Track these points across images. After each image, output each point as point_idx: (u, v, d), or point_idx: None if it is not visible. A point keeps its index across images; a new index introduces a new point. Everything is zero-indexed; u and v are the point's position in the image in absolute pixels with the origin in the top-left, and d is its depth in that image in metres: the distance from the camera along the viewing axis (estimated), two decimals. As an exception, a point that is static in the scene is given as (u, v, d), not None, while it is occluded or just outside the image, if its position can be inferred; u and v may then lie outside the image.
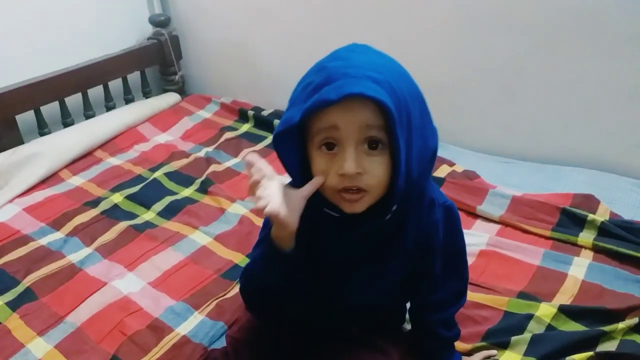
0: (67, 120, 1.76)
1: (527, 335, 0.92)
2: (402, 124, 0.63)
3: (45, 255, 1.22)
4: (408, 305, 0.92)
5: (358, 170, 0.64)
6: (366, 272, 0.78)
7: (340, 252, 0.78)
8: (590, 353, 0.85)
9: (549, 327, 0.94)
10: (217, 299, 1.07)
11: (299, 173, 0.69)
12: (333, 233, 0.75)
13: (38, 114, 1.68)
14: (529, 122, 1.51)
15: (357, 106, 0.62)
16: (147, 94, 2.04)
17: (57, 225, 1.34)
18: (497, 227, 1.24)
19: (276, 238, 0.69)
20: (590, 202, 1.25)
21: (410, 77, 0.68)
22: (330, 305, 0.85)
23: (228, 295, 1.08)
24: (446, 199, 0.79)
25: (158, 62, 2.04)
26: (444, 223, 0.78)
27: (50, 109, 1.72)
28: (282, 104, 1.89)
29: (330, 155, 0.66)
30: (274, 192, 0.64)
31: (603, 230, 1.15)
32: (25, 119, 1.65)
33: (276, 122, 1.77)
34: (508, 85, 1.50)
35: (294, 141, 0.68)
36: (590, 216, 1.18)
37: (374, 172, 0.65)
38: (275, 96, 1.94)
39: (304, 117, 0.63)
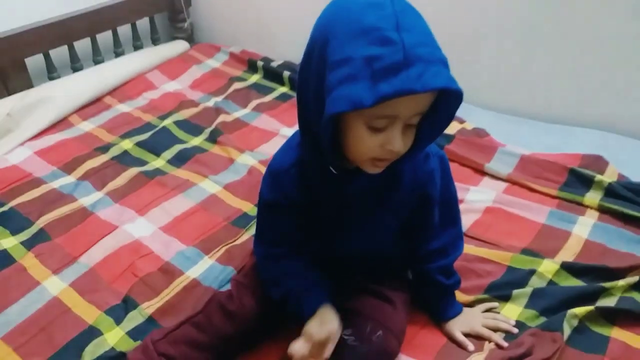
0: (76, 65, 1.75)
1: (528, 289, 0.94)
2: None
3: (58, 198, 1.24)
4: None
5: (405, 147, 0.66)
6: (365, 222, 0.80)
7: (339, 206, 0.80)
8: (591, 308, 0.87)
9: (551, 283, 0.96)
10: (226, 245, 1.09)
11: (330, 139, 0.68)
12: (332, 188, 0.77)
13: (47, 57, 1.67)
14: (543, 81, 1.49)
15: (424, 95, 0.61)
16: (155, 41, 2.01)
17: (68, 169, 1.35)
18: (505, 185, 1.25)
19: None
20: (599, 163, 1.25)
21: None
22: (334, 256, 0.87)
23: (237, 242, 1.10)
24: (438, 149, 0.83)
25: (167, 9, 2.00)
26: (440, 172, 0.82)
27: (59, 53, 1.70)
28: (292, 55, 1.88)
29: (377, 131, 0.64)
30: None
31: (610, 192, 1.15)
32: (35, 62, 1.65)
33: (286, 73, 1.75)
34: (523, 43, 1.47)
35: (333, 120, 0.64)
36: (598, 177, 1.18)
37: (408, 143, 0.68)
38: (285, 47, 1.91)
39: (378, 102, 0.58)
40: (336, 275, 0.90)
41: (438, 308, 0.90)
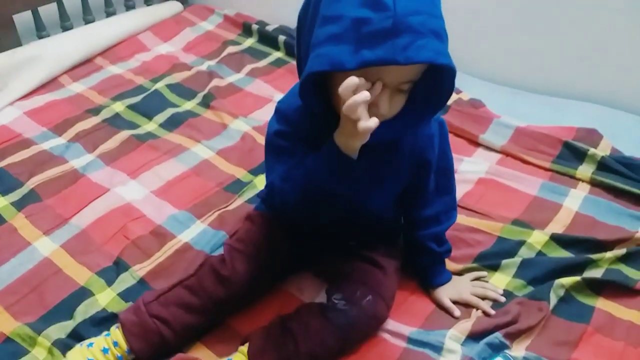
0: (65, 23, 1.70)
1: (517, 259, 0.96)
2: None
3: (48, 159, 1.23)
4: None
5: (391, 112, 0.67)
6: (367, 184, 0.80)
7: None
8: (577, 278, 0.88)
9: (540, 254, 0.98)
10: (219, 210, 1.09)
11: (318, 101, 0.69)
12: None
13: (36, 14, 1.62)
14: (541, 53, 1.47)
15: (412, 65, 0.61)
16: (148, 2, 1.96)
17: (58, 130, 1.33)
18: (498, 156, 1.25)
19: (346, 148, 0.68)
20: (593, 137, 1.25)
21: None
22: (330, 221, 0.87)
23: (230, 208, 1.10)
24: (438, 116, 0.83)
25: (160, -32, 1.94)
26: (439, 138, 0.83)
27: (49, 10, 1.65)
28: (288, 19, 1.84)
29: None
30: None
31: (602, 165, 1.16)
32: (23, 19, 1.60)
33: (281, 38, 1.72)
34: (522, 14, 1.45)
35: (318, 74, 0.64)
36: (592, 150, 1.18)
37: (397, 107, 0.68)
38: (281, 11, 1.87)
39: (359, 67, 0.58)
40: (329, 239, 0.91)
41: (428, 275, 0.91)
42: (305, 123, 0.75)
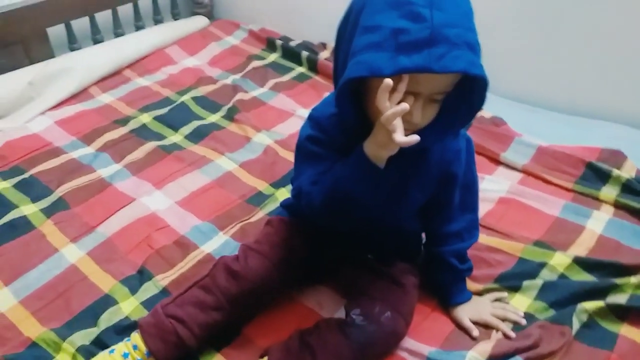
0: (97, 36, 1.75)
1: (538, 281, 0.95)
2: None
3: (77, 168, 1.26)
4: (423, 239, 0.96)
5: (423, 121, 0.68)
6: (392, 193, 0.80)
7: None
8: (601, 303, 0.87)
9: (562, 277, 0.97)
10: (241, 222, 1.11)
11: (354, 109, 0.71)
12: None
13: (69, 28, 1.68)
14: (564, 72, 1.47)
15: (447, 75, 0.63)
16: (176, 16, 2.01)
17: (87, 140, 1.37)
18: (520, 175, 1.25)
19: (375, 157, 0.69)
20: (617, 158, 1.23)
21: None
22: (352, 229, 0.88)
23: (252, 220, 1.11)
24: (465, 132, 0.85)
25: (188, -17, 1.99)
26: (466, 152, 0.84)
27: (81, 25, 1.71)
28: (312, 35, 1.87)
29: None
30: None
31: (627, 187, 1.15)
32: (56, 32, 1.65)
33: (304, 53, 1.74)
34: (546, 31, 1.44)
35: (355, 82, 0.66)
36: (615, 172, 1.17)
37: (429, 116, 0.69)
38: (305, 27, 1.90)
39: (395, 73, 0.60)
40: (349, 250, 0.91)
41: (448, 292, 0.91)
42: (337, 131, 0.76)
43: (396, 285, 0.87)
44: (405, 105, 0.61)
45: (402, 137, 0.62)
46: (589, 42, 1.40)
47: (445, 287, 0.91)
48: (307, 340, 0.80)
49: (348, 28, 0.67)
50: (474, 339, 0.86)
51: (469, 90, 0.67)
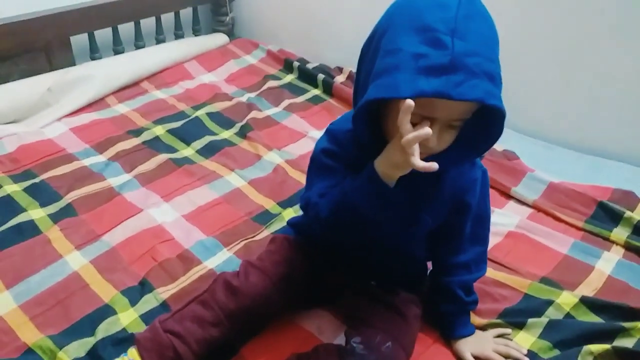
0: (118, 47, 1.79)
1: (544, 319, 0.93)
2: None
3: (87, 175, 1.28)
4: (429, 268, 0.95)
5: (439, 146, 0.68)
6: (401, 214, 0.79)
7: None
8: (607, 346, 0.85)
9: (568, 316, 0.95)
10: (246, 239, 1.10)
11: (370, 130, 0.71)
12: None
13: (91, 37, 1.71)
14: (580, 110, 1.46)
15: (464, 103, 0.63)
16: (196, 32, 2.05)
17: (100, 148, 1.39)
18: (530, 211, 1.23)
19: (386, 176, 0.69)
20: (630, 199, 1.22)
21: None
22: (356, 249, 0.87)
23: (257, 238, 1.11)
24: (481, 164, 0.85)
25: (211, 1, 2.04)
26: (481, 184, 0.84)
27: (103, 35, 1.75)
28: (329, 58, 1.89)
29: (414, 124, 0.65)
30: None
31: (638, 229, 1.13)
32: (79, 41, 1.69)
33: (320, 76, 1.76)
34: (565, 69, 1.45)
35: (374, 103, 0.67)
36: (628, 213, 1.15)
37: (446, 142, 0.69)
38: (323, 49, 1.92)
39: (414, 96, 0.60)
40: (352, 275, 0.90)
41: (452, 324, 0.89)
42: (353, 146, 0.76)
43: (399, 316, 0.85)
44: (428, 131, 0.61)
45: (421, 162, 0.62)
46: (607, 83, 1.39)
47: (449, 318, 0.90)
48: None
49: (371, 49, 0.68)
50: None
51: (487, 121, 0.67)
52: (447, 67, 0.60)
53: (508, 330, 0.92)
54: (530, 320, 0.93)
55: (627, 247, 1.11)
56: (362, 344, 0.80)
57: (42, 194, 1.20)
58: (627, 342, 0.88)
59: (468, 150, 0.72)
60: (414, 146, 0.62)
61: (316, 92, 1.75)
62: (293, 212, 1.17)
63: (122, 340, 0.88)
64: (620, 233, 1.13)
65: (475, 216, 0.85)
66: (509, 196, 1.28)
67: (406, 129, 0.62)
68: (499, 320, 0.94)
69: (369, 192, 0.71)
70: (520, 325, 0.93)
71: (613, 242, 1.13)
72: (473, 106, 0.66)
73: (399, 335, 0.82)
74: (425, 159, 0.64)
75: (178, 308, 0.85)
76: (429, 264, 0.95)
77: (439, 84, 0.60)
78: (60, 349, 0.85)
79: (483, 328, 0.92)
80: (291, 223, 1.00)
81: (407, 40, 0.62)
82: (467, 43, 0.61)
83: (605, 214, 1.18)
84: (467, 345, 0.87)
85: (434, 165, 0.62)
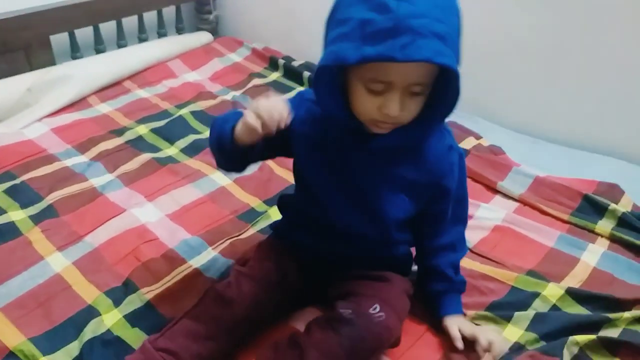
0: (99, 47, 1.76)
1: (530, 312, 0.93)
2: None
3: (69, 176, 1.25)
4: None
5: (401, 113, 0.69)
6: (371, 193, 0.81)
7: (346, 168, 0.81)
8: (593, 336, 0.85)
9: (554, 308, 0.95)
10: (231, 238, 1.09)
11: (336, 102, 0.73)
12: (346, 147, 0.79)
13: (72, 36, 1.69)
14: (565, 105, 1.48)
15: (417, 65, 0.65)
16: (180, 31, 2.03)
17: (82, 148, 1.36)
18: (516, 205, 1.24)
19: (239, 139, 0.73)
20: (614, 192, 1.23)
21: (459, 7, 0.69)
22: (334, 227, 0.86)
23: (242, 237, 1.10)
24: (458, 146, 0.86)
25: (194, -1, 2.02)
26: (458, 167, 0.85)
27: (84, 34, 1.72)
28: (314, 56, 1.88)
29: (375, 94, 0.69)
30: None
31: (623, 221, 1.14)
32: (59, 40, 1.66)
33: (306, 74, 1.75)
34: (549, 65, 1.46)
35: (335, 74, 0.71)
36: (612, 205, 1.16)
37: (411, 111, 0.71)
38: (308, 47, 1.91)
39: (360, 61, 0.64)
40: (338, 270, 0.90)
41: (442, 303, 0.89)
42: (306, 117, 0.80)
43: (384, 282, 0.85)
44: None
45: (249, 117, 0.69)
46: (591, 77, 1.41)
47: (439, 297, 0.89)
48: (296, 339, 0.78)
49: (329, 22, 0.71)
50: (459, 351, 0.84)
51: (447, 85, 0.68)
52: (391, 30, 0.62)
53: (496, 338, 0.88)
54: (517, 313, 0.93)
55: (612, 239, 1.12)
56: (349, 309, 0.79)
57: (23, 195, 1.18)
58: (612, 333, 0.89)
59: (430, 118, 0.73)
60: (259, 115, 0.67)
61: (302, 89, 1.74)
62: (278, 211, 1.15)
63: (108, 342, 0.86)
64: (605, 225, 1.14)
65: (455, 198, 0.86)
66: (495, 190, 1.28)
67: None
68: (486, 313, 0.93)
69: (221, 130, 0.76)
70: (507, 318, 0.93)
71: (598, 234, 1.14)
72: (429, 69, 0.67)
73: (387, 299, 0.82)
74: (395, 131, 0.72)
75: (168, 327, 0.82)
76: (413, 250, 0.95)
77: (383, 49, 0.62)
78: (44, 355, 0.83)
79: (471, 321, 0.91)
80: (273, 227, 0.99)
81: (355, 8, 0.65)
82: (413, 5, 0.62)
83: (591, 206, 1.19)
84: (455, 321, 0.87)
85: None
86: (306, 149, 0.82)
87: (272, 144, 0.77)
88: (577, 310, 0.94)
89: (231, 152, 0.77)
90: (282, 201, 0.97)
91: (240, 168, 0.86)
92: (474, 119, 1.53)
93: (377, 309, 0.79)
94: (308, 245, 0.89)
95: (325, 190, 0.83)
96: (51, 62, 1.63)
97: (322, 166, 0.82)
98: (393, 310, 0.80)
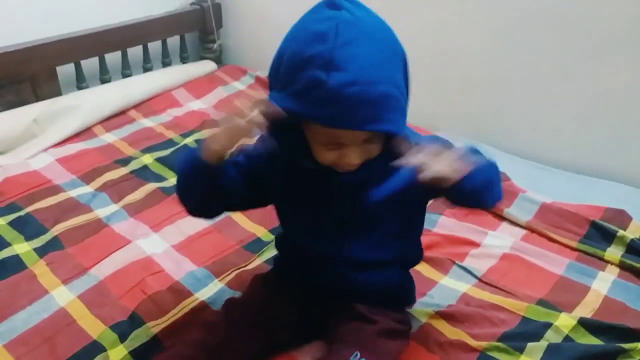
0: (105, 77, 1.78)
1: (543, 343, 0.91)
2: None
3: (74, 207, 1.25)
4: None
5: (361, 162, 0.72)
6: (352, 221, 0.82)
7: (317, 203, 0.81)
8: (608, 368, 0.84)
9: (567, 339, 0.93)
10: (237, 269, 1.08)
11: (298, 149, 0.75)
12: (312, 182, 0.79)
13: (78, 67, 1.70)
14: (570, 131, 1.48)
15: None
16: (184, 60, 2.05)
17: (87, 179, 1.36)
18: (523, 232, 1.23)
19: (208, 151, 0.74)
20: (622, 218, 1.22)
21: (397, 40, 0.69)
22: (325, 277, 0.86)
23: (248, 267, 1.09)
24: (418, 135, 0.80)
25: (198, 29, 2.04)
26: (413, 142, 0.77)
27: (90, 64, 1.74)
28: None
29: (332, 148, 0.71)
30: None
31: (632, 248, 1.13)
32: (65, 71, 1.68)
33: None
34: (553, 90, 1.46)
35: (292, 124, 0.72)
36: (621, 232, 1.15)
37: (373, 153, 0.73)
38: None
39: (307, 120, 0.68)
40: (334, 301, 0.88)
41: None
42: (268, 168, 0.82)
43: (369, 324, 0.83)
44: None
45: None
46: (596, 102, 1.41)
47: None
48: None
49: (276, 74, 0.72)
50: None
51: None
52: (326, 101, 0.63)
53: None
54: (529, 344, 0.91)
55: (622, 266, 1.11)
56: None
57: (28, 227, 1.17)
58: (628, 364, 0.87)
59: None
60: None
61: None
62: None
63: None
64: (614, 252, 1.13)
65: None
66: (502, 217, 1.27)
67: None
68: (498, 344, 0.92)
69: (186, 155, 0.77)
70: (520, 349, 0.91)
71: (607, 261, 1.13)
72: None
73: (367, 343, 0.80)
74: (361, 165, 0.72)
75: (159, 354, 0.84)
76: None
77: (325, 117, 0.65)
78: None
79: (483, 352, 0.90)
80: (273, 261, 1.00)
81: (294, 77, 0.66)
82: (344, 73, 0.63)
83: (599, 233, 1.18)
84: None
85: None
86: (278, 188, 0.84)
87: (246, 183, 0.81)
88: (591, 341, 0.93)
89: (201, 177, 0.76)
90: (276, 239, 0.98)
91: (212, 208, 0.85)
92: (478, 146, 1.53)
93: (357, 356, 0.79)
94: (301, 280, 0.89)
95: (301, 225, 0.86)
96: (57, 92, 1.65)
97: (295, 204, 0.84)
98: (373, 355, 0.80)
